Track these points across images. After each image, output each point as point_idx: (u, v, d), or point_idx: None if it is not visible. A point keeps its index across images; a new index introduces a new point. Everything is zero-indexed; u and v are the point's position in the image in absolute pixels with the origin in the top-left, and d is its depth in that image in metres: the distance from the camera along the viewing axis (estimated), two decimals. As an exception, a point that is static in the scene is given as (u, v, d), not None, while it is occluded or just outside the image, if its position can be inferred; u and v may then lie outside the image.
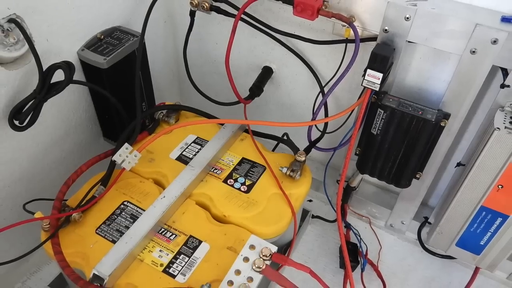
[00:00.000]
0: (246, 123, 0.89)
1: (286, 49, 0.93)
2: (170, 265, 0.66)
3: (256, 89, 0.97)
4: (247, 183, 0.79)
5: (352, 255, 0.92)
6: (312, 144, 0.91)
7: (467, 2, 0.71)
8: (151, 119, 0.90)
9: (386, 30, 0.74)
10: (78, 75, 0.84)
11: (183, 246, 0.69)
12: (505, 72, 0.69)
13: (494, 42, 0.65)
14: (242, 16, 0.86)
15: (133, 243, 0.66)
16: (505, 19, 0.66)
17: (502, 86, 0.69)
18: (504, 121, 0.66)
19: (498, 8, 0.69)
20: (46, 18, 0.74)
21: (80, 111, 0.90)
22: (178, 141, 0.86)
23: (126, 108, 0.86)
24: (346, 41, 0.82)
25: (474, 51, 0.68)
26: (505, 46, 0.65)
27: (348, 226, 0.99)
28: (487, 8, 0.70)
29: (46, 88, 0.72)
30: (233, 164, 0.83)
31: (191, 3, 0.91)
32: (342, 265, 0.94)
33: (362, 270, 0.91)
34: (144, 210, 0.72)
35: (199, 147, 0.84)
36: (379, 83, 0.73)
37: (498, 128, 0.65)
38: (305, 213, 1.01)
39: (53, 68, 0.72)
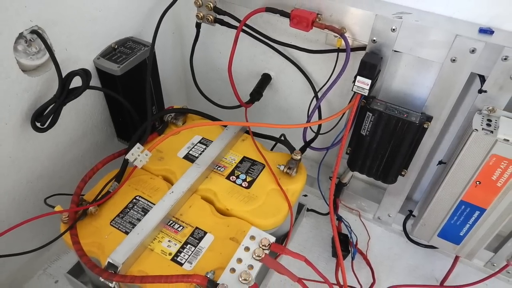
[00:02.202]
0: (247, 125, 0.89)
1: (283, 58, 0.93)
2: (178, 254, 0.67)
3: (256, 94, 0.97)
4: (248, 180, 0.79)
5: (343, 245, 0.92)
6: (307, 144, 0.91)
7: (448, 15, 0.71)
8: (161, 121, 0.90)
9: (374, 40, 0.74)
10: (94, 81, 0.84)
11: (190, 237, 0.69)
12: (482, 79, 0.69)
13: (473, 51, 0.65)
14: (243, 27, 0.86)
15: (144, 234, 0.66)
16: (483, 31, 0.66)
17: (480, 91, 0.69)
18: (482, 123, 0.66)
19: (476, 21, 0.69)
20: (65, 30, 0.74)
21: (96, 114, 0.90)
22: (185, 141, 0.86)
23: (137, 111, 0.86)
24: (338, 50, 0.82)
25: (454, 60, 0.68)
26: (482, 55, 0.65)
27: (339, 219, 0.99)
28: (466, 21, 0.70)
29: (65, 93, 0.72)
30: (235, 162, 0.83)
31: (197, 15, 0.91)
32: (334, 254, 0.94)
33: (353, 258, 0.91)
34: (154, 204, 0.72)
35: (204, 146, 0.84)
36: (368, 88, 0.73)
37: (476, 129, 0.65)
38: (300, 206, 1.01)
39: (72, 75, 0.72)
